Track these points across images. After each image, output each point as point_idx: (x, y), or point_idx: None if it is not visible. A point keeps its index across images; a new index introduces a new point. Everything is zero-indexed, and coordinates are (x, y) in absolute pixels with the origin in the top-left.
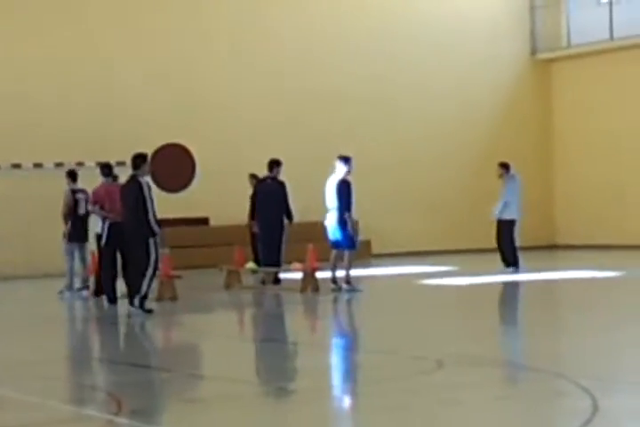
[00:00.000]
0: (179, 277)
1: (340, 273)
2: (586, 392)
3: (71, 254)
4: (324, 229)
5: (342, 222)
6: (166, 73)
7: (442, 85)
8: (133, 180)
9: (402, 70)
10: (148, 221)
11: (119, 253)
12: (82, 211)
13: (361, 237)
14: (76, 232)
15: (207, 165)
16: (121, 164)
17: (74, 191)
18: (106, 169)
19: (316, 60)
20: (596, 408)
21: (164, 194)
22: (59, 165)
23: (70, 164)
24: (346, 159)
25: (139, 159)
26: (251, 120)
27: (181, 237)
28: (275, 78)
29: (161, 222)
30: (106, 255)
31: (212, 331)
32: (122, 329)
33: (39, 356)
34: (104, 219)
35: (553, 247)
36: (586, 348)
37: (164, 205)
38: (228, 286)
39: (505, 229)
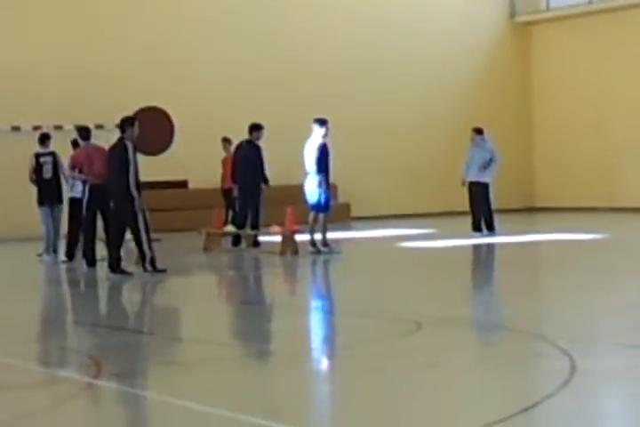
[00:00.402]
0: (158, 240)
1: (319, 236)
2: (564, 354)
3: (45, 218)
4: (303, 192)
5: (320, 185)
6: (147, 37)
7: (421, 49)
8: (120, 142)
9: (381, 35)
10: (127, 184)
11: (100, 216)
12: (47, 175)
13: (340, 199)
14: (44, 196)
15: (187, 127)
16: (99, 127)
17: (37, 155)
18: (84, 132)
19: (299, 26)
20: (574, 369)
21: (143, 156)
22: (37, 128)
23: (48, 127)
24: (322, 122)
25: (126, 122)
26: (232, 84)
27: (160, 199)
28: (257, 42)
29: (141, 185)
30: (87, 218)
31: (192, 294)
32: (101, 292)
33: (18, 319)
34: (84, 182)
35: (531, 210)
36: (565, 310)
37: (143, 167)
38: (207, 249)
39: (478, 192)
